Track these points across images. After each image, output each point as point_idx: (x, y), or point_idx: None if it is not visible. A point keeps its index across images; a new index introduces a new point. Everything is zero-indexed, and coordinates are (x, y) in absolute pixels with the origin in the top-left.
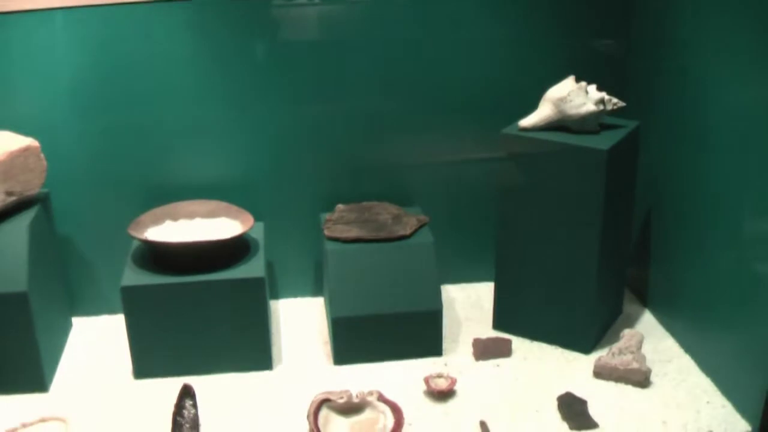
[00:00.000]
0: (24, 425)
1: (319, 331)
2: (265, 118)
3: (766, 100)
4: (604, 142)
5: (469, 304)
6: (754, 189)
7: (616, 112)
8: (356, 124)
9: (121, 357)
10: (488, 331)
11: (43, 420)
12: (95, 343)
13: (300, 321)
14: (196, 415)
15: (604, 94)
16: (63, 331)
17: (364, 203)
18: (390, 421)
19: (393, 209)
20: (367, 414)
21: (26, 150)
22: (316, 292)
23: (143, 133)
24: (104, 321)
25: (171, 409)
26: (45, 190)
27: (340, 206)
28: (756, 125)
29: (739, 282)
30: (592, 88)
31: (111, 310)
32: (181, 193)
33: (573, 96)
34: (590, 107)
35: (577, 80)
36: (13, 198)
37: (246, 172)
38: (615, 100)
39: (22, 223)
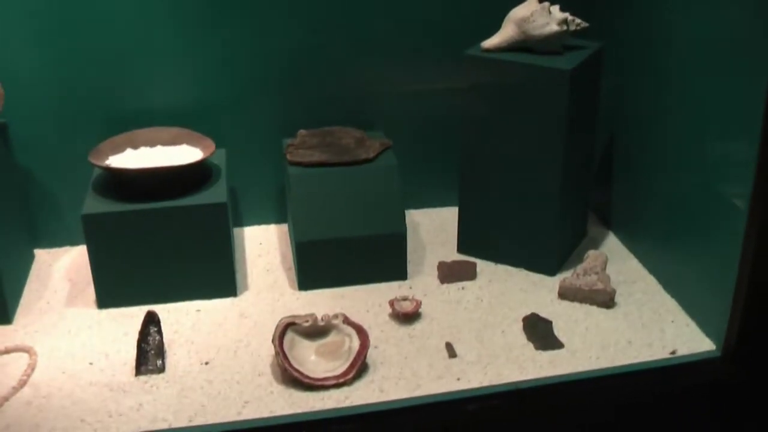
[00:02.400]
0: None
1: (283, 257)
2: (227, 43)
3: (731, 22)
4: (567, 62)
5: (433, 229)
6: (717, 111)
7: (579, 33)
8: (317, 50)
9: (85, 287)
10: (453, 255)
11: (7, 351)
12: (58, 275)
13: (264, 248)
14: (161, 342)
15: (567, 15)
16: (25, 263)
17: (327, 128)
18: (355, 343)
19: (356, 133)
20: (332, 337)
21: None
22: (280, 218)
23: (102, 59)
24: (67, 252)
25: (136, 337)
26: (2, 120)
27: (302, 131)
28: (720, 48)
29: (702, 203)
30: (555, 8)
31: (73, 241)
32: (141, 121)
33: (536, 16)
34: (553, 27)
35: (541, 0)
36: None
37: (207, 98)
38: (578, 20)
39: None
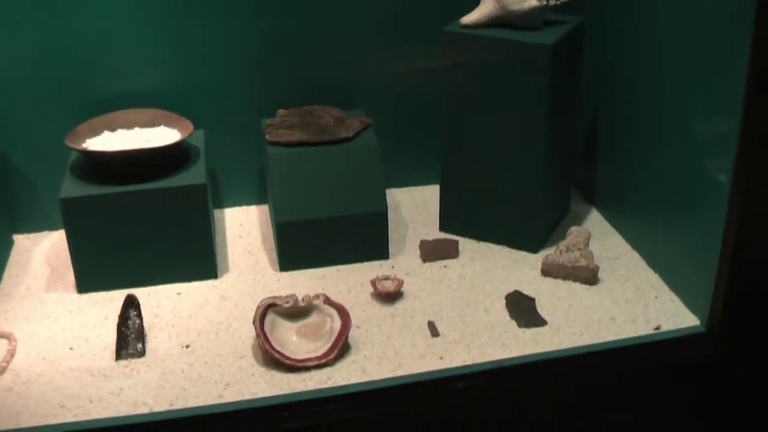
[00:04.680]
0: None
1: (264, 238)
2: (205, 23)
3: None
4: (547, 37)
5: (414, 207)
6: (699, 87)
7: (560, 9)
8: (297, 29)
9: (65, 272)
10: (435, 234)
11: None
12: (37, 260)
13: (244, 229)
14: (140, 325)
15: None
16: (3, 248)
17: (306, 107)
18: (337, 323)
19: (335, 112)
20: (313, 317)
21: None
22: (260, 199)
23: (79, 41)
24: (46, 236)
25: (116, 321)
26: None
27: (281, 111)
28: (702, 23)
29: (685, 178)
30: None
31: (52, 226)
32: (118, 103)
33: None
34: (533, 3)
35: None
36: None
37: (185, 79)
38: None
39: None
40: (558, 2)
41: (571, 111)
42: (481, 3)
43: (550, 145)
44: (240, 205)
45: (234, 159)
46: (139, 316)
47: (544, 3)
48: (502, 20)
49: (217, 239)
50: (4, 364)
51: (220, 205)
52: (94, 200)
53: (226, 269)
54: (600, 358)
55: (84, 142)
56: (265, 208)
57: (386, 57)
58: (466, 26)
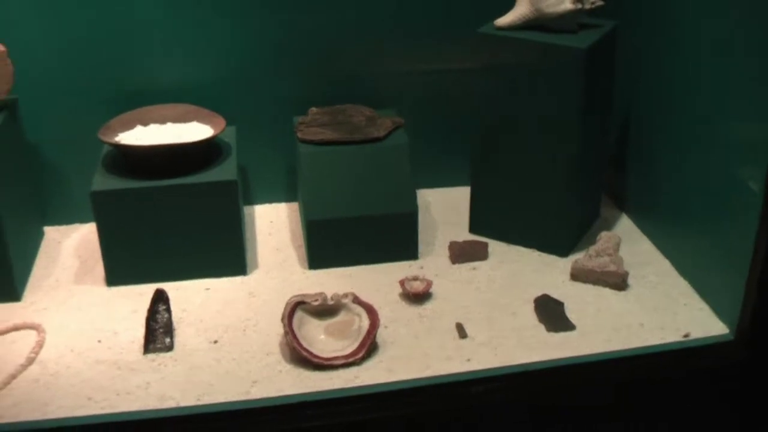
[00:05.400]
0: None
1: (293, 235)
2: (239, 20)
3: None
4: (582, 41)
5: (444, 208)
6: (732, 92)
7: (594, 12)
8: (330, 27)
9: (94, 265)
10: (464, 235)
11: (15, 328)
12: (67, 252)
13: (274, 226)
14: (169, 320)
15: None
16: (34, 240)
17: (338, 106)
18: (365, 322)
19: (367, 111)
20: (341, 316)
21: None
22: (290, 197)
23: (113, 35)
24: (76, 229)
25: (144, 314)
26: (13, 96)
27: (313, 109)
28: (736, 28)
29: (716, 185)
30: None
31: (82, 219)
32: (151, 98)
33: None
34: (567, 6)
35: None
36: None
37: (218, 75)
38: None
39: None
40: (593, 6)
41: (603, 115)
42: (515, 5)
43: (582, 149)
44: (270, 202)
45: (265, 156)
46: (168, 310)
47: (579, 6)
48: (537, 23)
49: (247, 236)
50: (33, 355)
51: (250, 201)
52: (125, 194)
53: (255, 266)
54: (628, 364)
55: (116, 135)
56: (294, 205)
57: (419, 57)
58: (501, 28)
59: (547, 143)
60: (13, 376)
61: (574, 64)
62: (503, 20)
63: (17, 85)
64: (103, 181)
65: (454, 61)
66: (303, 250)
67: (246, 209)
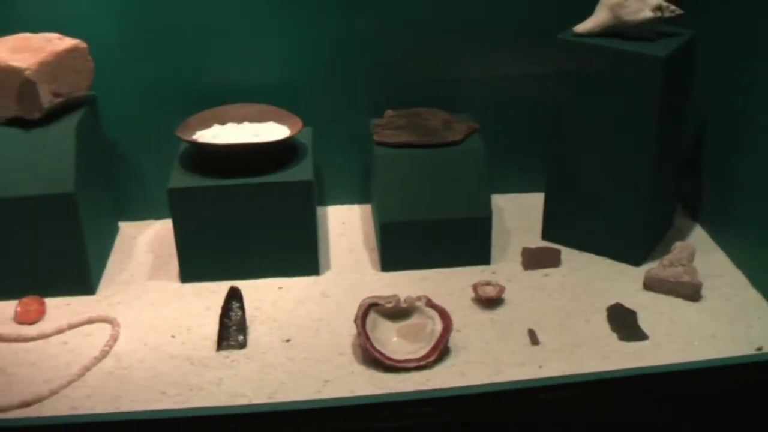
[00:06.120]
0: (71, 326)
1: (366, 237)
2: (316, 21)
3: None
4: (661, 49)
5: (517, 214)
6: None
7: (673, 21)
8: (407, 30)
9: (168, 261)
10: (537, 241)
11: (90, 321)
12: (141, 248)
13: (347, 227)
14: (242, 318)
15: (661, 1)
16: (110, 234)
17: (414, 109)
18: (438, 326)
19: (443, 115)
20: (414, 319)
21: (73, 51)
22: (363, 199)
23: (192, 34)
24: (151, 225)
25: (218, 311)
26: (92, 92)
27: (389, 112)
28: None
29: None
30: None
31: (157, 215)
32: (229, 97)
33: (630, 2)
34: (647, 14)
35: None
36: (60, 99)
37: (296, 76)
38: (672, 7)
39: (70, 124)
40: (672, 14)
41: (679, 124)
42: (595, 12)
43: (657, 158)
44: (342, 203)
45: (339, 157)
46: (242, 308)
47: (658, 14)
48: (616, 30)
49: (320, 236)
50: (107, 348)
51: (323, 202)
52: (201, 191)
53: (328, 266)
54: (701, 375)
55: (194, 133)
56: (367, 207)
57: (496, 61)
58: (580, 35)
59: (623, 151)
60: (87, 368)
61: (653, 73)
62: (582, 27)
63: (96, 82)
64: (180, 179)
65: (530, 65)
66: (375, 252)
67: (319, 209)
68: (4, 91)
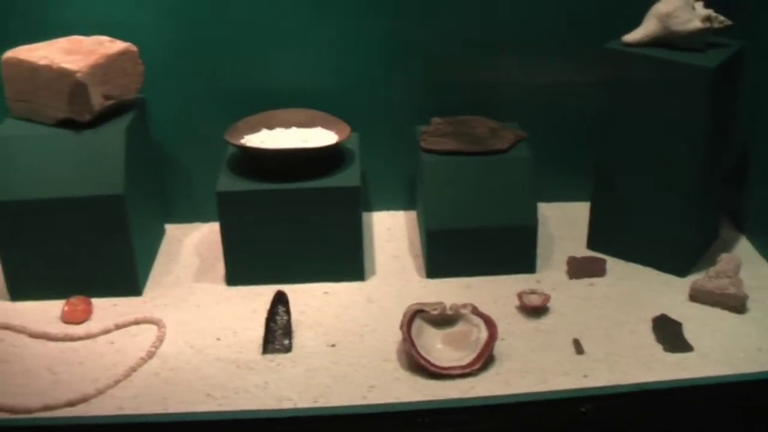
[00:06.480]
0: (117, 326)
1: (411, 243)
2: (365, 28)
3: None
4: (709, 60)
5: (562, 223)
6: None
7: (722, 31)
8: (455, 38)
9: (214, 263)
10: (582, 251)
11: (136, 322)
12: (187, 250)
13: (392, 234)
14: (288, 322)
15: (711, 12)
16: (156, 236)
17: (461, 117)
18: (484, 334)
19: (490, 123)
20: (460, 326)
21: (124, 54)
22: (408, 205)
23: (242, 39)
24: (197, 228)
25: (263, 315)
26: (142, 95)
27: (436, 119)
28: None
29: None
30: (699, 4)
31: (203, 218)
32: (278, 102)
33: (680, 12)
34: (697, 24)
35: None
36: (110, 102)
37: (343, 82)
38: (722, 17)
39: (120, 126)
40: (721, 25)
41: (726, 135)
42: (644, 21)
43: (704, 169)
44: (387, 209)
45: (384, 164)
46: (288, 312)
47: (708, 25)
48: (665, 40)
49: (365, 242)
50: (153, 349)
51: (369, 208)
52: (249, 195)
53: (373, 272)
54: (746, 388)
55: (242, 138)
56: (412, 214)
57: (543, 70)
58: (629, 44)
59: (670, 162)
60: (134, 369)
61: (701, 83)
62: (631, 36)
63: (146, 84)
64: (229, 182)
65: (578, 74)
66: (420, 259)
67: (364, 215)
68: (55, 93)
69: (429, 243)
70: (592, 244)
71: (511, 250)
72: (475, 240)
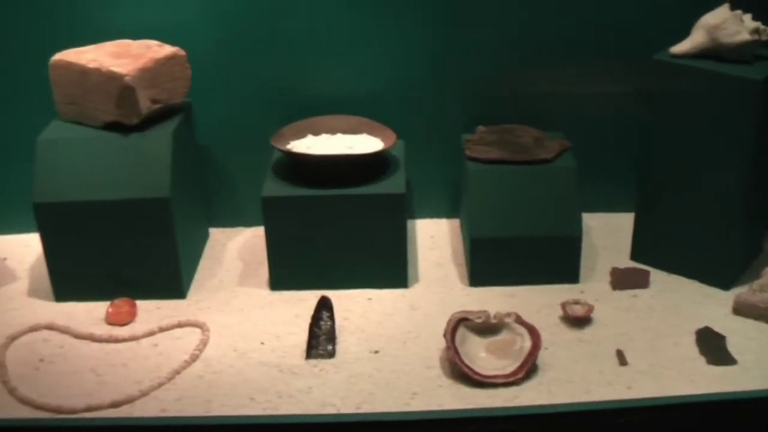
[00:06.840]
0: (161, 329)
1: (454, 251)
2: (412, 36)
3: None
4: (757, 72)
5: (606, 234)
6: None
7: None
8: (500, 47)
9: (257, 268)
10: (626, 262)
11: (180, 325)
12: (231, 254)
13: (435, 241)
14: (332, 327)
15: (759, 24)
16: (200, 240)
17: (506, 125)
18: (527, 343)
19: (534, 132)
20: (503, 335)
21: (172, 58)
22: (451, 213)
23: (289, 45)
24: (240, 232)
25: (306, 320)
26: (188, 100)
27: (481, 128)
28: None
29: None
30: (748, 17)
31: (247, 222)
32: (324, 108)
33: (728, 24)
34: (745, 36)
35: (733, 8)
36: (158, 105)
37: (389, 89)
38: None
39: (167, 130)
40: None
41: None
42: (691, 33)
43: (750, 182)
44: (431, 217)
45: (428, 171)
46: (332, 318)
47: (756, 37)
48: (713, 52)
49: (408, 249)
50: (197, 352)
51: (412, 215)
52: (294, 201)
53: (416, 279)
54: None
55: (288, 143)
56: (455, 221)
57: (589, 80)
58: (676, 56)
59: (715, 174)
60: (178, 371)
61: (749, 96)
62: (679, 48)
63: (192, 88)
64: (274, 187)
65: (624, 84)
66: (464, 267)
67: (407, 222)
68: (103, 96)
69: (472, 251)
70: (635, 256)
71: (554, 259)
72: (518, 249)
